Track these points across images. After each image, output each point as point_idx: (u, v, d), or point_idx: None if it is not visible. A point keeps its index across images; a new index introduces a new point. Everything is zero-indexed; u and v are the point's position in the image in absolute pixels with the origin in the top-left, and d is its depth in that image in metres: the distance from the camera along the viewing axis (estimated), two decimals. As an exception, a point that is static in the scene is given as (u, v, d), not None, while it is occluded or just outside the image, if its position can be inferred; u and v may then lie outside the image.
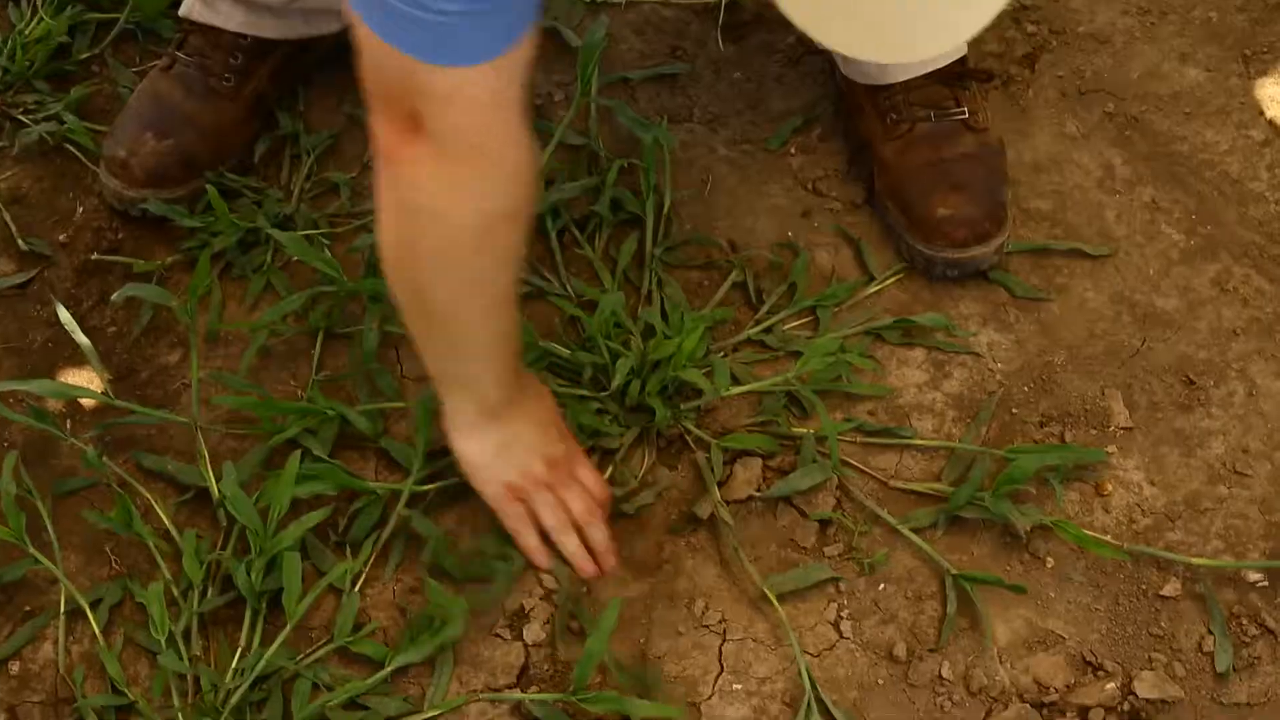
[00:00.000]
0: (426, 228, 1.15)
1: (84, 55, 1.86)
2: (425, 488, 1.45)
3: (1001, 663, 1.37)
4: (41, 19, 1.86)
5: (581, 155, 1.73)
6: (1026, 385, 1.55)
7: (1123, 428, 1.52)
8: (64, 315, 1.43)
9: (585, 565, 1.42)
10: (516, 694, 1.35)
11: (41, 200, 1.73)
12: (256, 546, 1.37)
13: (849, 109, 1.73)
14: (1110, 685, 1.35)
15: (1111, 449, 1.51)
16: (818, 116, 1.79)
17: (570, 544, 1.43)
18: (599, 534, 1.43)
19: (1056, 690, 1.35)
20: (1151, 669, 1.36)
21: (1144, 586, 1.42)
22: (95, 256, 1.67)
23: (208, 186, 1.60)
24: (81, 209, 1.72)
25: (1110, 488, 1.47)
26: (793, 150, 1.76)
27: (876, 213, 1.68)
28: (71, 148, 1.76)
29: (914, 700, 1.35)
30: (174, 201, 1.66)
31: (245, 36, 1.69)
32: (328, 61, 1.81)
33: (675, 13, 1.92)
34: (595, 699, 1.32)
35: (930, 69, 1.64)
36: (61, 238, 1.70)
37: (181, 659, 1.33)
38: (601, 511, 1.44)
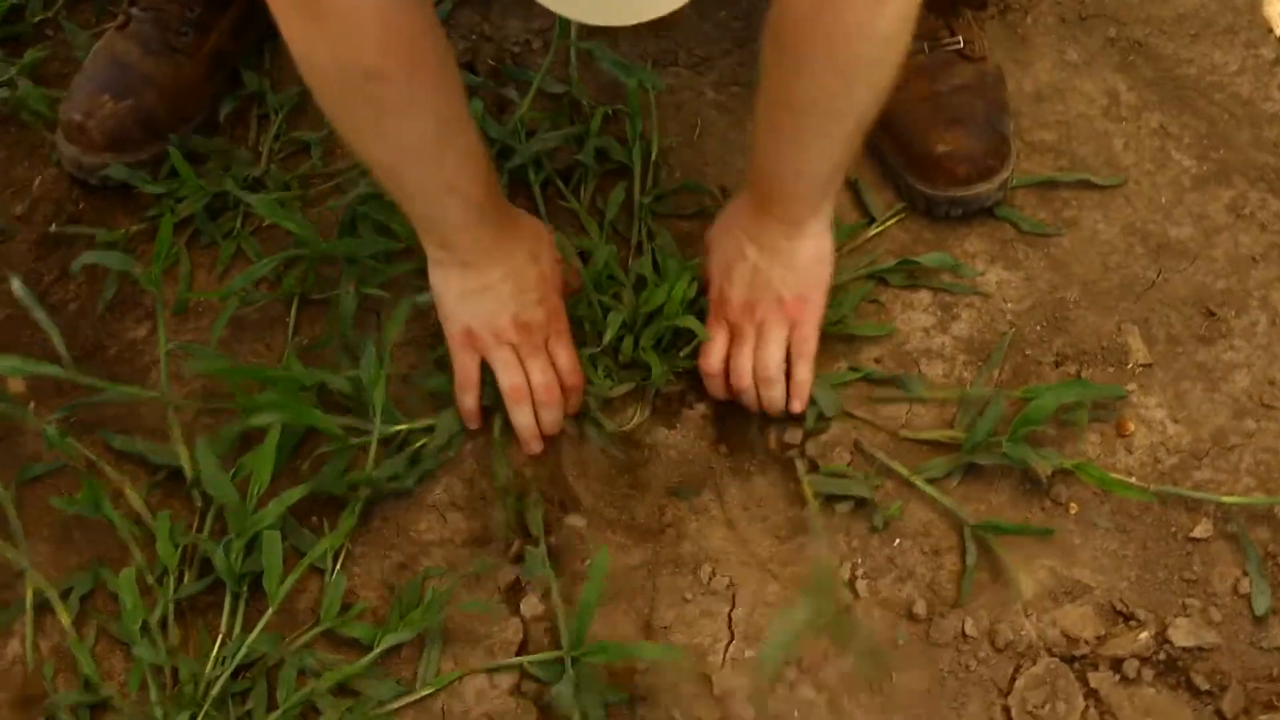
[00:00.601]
0: (306, 76, 1.17)
1: (38, 18, 1.77)
2: (396, 428, 1.38)
3: (1027, 616, 1.30)
4: (-11, -15, 1.76)
5: (563, 104, 1.65)
6: (1039, 324, 1.48)
7: (1142, 364, 1.45)
8: (18, 288, 1.33)
9: (531, 441, 1.38)
10: (513, 660, 1.27)
11: (-3, 170, 1.63)
12: (235, 526, 1.29)
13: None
14: (1144, 634, 1.27)
15: (1131, 386, 1.43)
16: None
17: (521, 415, 1.37)
18: (551, 416, 1.38)
19: (1087, 642, 1.28)
20: (1186, 615, 1.29)
21: (1173, 529, 1.34)
22: (55, 228, 1.58)
23: (170, 149, 1.51)
24: (39, 179, 1.63)
25: (1132, 427, 1.40)
26: (782, 90, 1.67)
27: (872, 153, 1.60)
28: (27, 115, 1.66)
29: (937, 659, 1.28)
30: (136, 166, 1.57)
31: (201, -15, 1.60)
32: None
33: (653, -48, 1.82)
34: (596, 649, 1.25)
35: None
36: (18, 210, 1.61)
37: (158, 650, 1.25)
38: (567, 399, 1.38)
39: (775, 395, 1.38)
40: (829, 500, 1.38)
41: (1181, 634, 1.28)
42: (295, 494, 1.30)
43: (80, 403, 1.42)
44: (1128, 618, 1.30)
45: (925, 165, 1.51)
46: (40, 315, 1.36)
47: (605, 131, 1.61)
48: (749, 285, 1.36)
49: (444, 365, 1.41)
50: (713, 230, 1.43)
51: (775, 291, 1.35)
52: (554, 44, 1.66)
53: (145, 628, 1.26)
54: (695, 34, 1.74)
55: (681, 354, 1.43)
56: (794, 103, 1.21)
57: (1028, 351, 1.46)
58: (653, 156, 1.58)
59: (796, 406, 1.38)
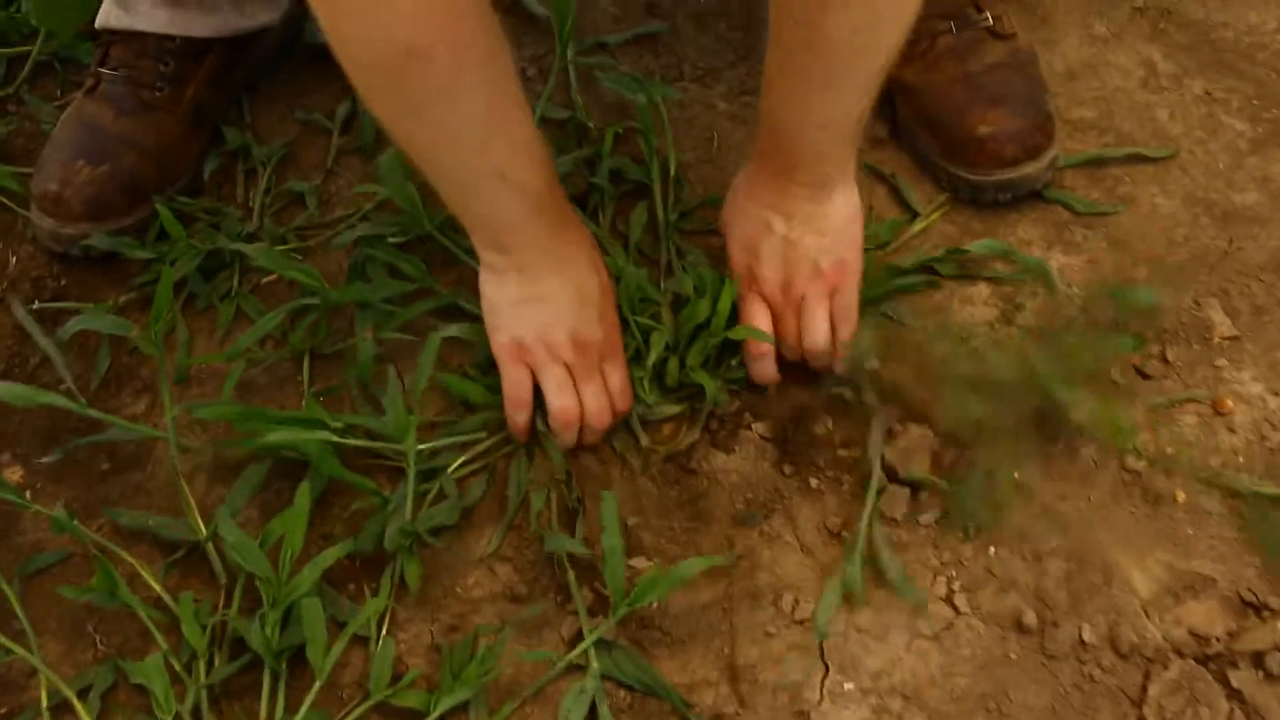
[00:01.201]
0: (343, 57, 1.07)
1: (-1, 94, 1.64)
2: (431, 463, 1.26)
3: (1148, 617, 1.17)
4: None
5: (568, 130, 1.54)
6: (1111, 307, 1.36)
7: (1227, 337, 1.34)
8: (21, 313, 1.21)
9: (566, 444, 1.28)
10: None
11: (-33, 258, 1.51)
12: (269, 597, 1.15)
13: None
14: (1281, 622, 1.14)
15: (1221, 362, 1.31)
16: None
17: (567, 439, 1.27)
18: (595, 439, 1.29)
19: (1219, 639, 1.16)
20: (1325, 598, 1.16)
21: (1292, 507, 1.22)
22: (37, 305, 1.45)
23: (159, 207, 1.39)
24: (15, 259, 1.51)
25: (1230, 404, 1.28)
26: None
27: (905, 145, 1.50)
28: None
29: (1057, 673, 1.16)
30: (120, 233, 1.45)
31: (173, 38, 1.50)
32: (271, 66, 1.62)
33: (646, -32, 1.73)
34: (643, 589, 1.15)
35: (943, -30, 1.46)
36: (-4, 292, 1.48)
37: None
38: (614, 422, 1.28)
39: (823, 362, 1.30)
40: (911, 509, 1.25)
41: (1323, 618, 1.15)
42: (333, 554, 1.18)
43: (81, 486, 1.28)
44: (1259, 608, 1.18)
45: (968, 149, 1.41)
46: (45, 341, 1.24)
47: (617, 152, 1.50)
48: (782, 260, 1.26)
49: (472, 408, 1.29)
50: (726, 209, 1.32)
51: (812, 262, 1.25)
52: (553, 68, 1.55)
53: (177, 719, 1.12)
54: (696, 47, 1.64)
55: (734, 363, 1.30)
56: (820, 44, 1.11)
57: (1103, 334, 1.34)
58: (672, 173, 1.48)
59: (840, 366, 1.30)
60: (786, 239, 1.24)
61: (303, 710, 1.13)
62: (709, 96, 1.59)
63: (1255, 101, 1.52)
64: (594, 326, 1.25)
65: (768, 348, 1.28)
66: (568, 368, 1.25)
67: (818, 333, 1.26)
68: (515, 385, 1.25)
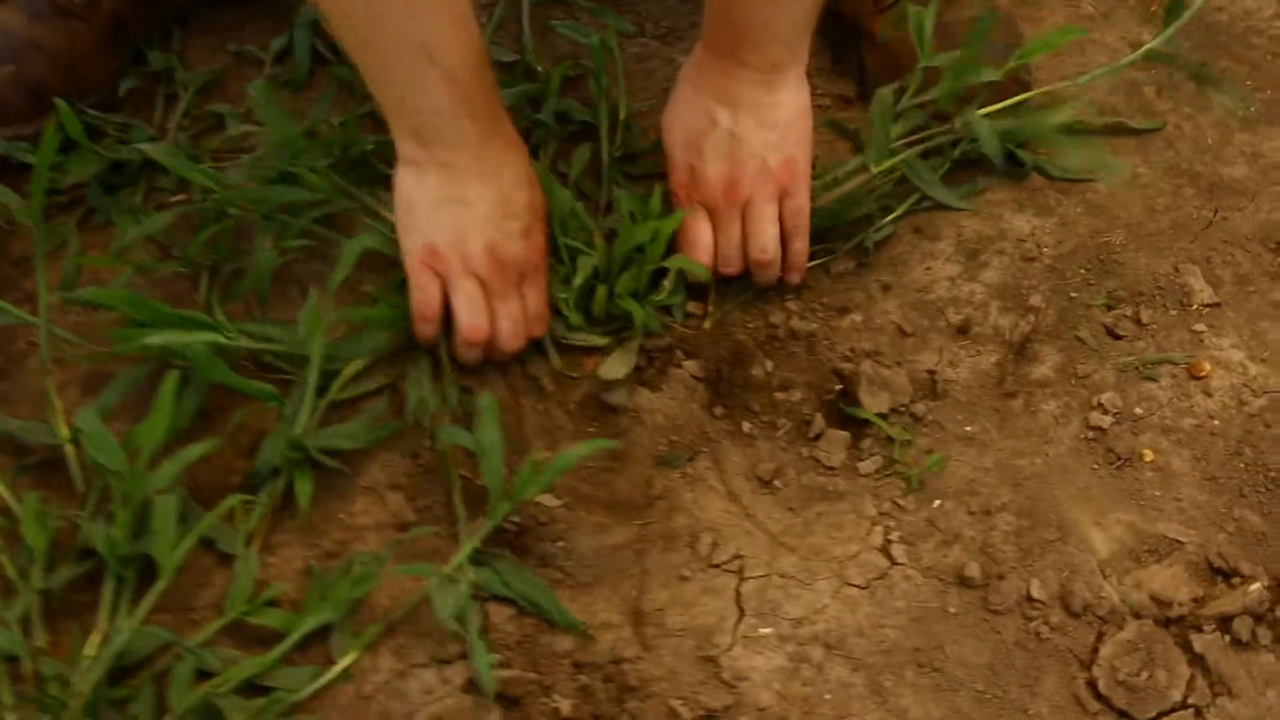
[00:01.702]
0: None
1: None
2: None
3: (1105, 577, 1.04)
4: None
5: (515, 72, 1.44)
6: (1083, 268, 1.25)
7: (1208, 304, 1.22)
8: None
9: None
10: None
11: None
12: (121, 493, 1.02)
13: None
14: (1255, 586, 1.01)
15: (1200, 327, 1.20)
16: (791, 17, 1.50)
17: (470, 356, 1.16)
18: (504, 358, 1.18)
19: (1182, 604, 1.02)
20: (1302, 566, 1.03)
21: (1271, 473, 1.10)
22: (-82, 203, 1.33)
23: (58, 103, 1.27)
24: (-92, 167, 1.39)
25: (1208, 367, 1.16)
26: (766, 50, 1.46)
27: (867, 95, 1.39)
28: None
29: (999, 629, 1.02)
30: (19, 140, 1.33)
31: (94, -59, 1.39)
32: (205, 2, 1.52)
33: (614, -68, 1.64)
34: (523, 481, 1.02)
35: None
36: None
37: (15, 643, 0.97)
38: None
39: (771, 275, 1.19)
40: (850, 456, 1.12)
41: (1301, 587, 1.02)
42: (197, 450, 1.05)
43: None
44: (1229, 575, 1.04)
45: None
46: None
47: (567, 96, 1.39)
48: (726, 156, 1.15)
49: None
50: (668, 107, 1.20)
51: (759, 158, 1.14)
52: (498, 10, 1.46)
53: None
54: (660, 7, 1.55)
55: (668, 289, 1.19)
56: None
57: (1073, 295, 1.23)
58: (621, 116, 1.37)
59: (795, 279, 1.20)
60: (732, 134, 1.14)
61: (137, 614, 0.98)
62: (670, 53, 1.49)
63: (1249, 81, 1.42)
64: (515, 242, 1.14)
65: (706, 254, 1.18)
66: (482, 282, 1.13)
67: (766, 237, 1.16)
68: (423, 294, 1.14)
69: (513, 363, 1.18)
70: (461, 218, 1.12)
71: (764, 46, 1.11)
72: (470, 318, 1.13)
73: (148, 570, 1.04)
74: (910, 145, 1.28)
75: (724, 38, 1.12)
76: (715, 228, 1.16)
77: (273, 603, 1.04)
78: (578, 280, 1.17)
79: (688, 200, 1.16)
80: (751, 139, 1.13)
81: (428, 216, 1.13)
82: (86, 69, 1.39)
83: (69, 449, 1.11)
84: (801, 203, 1.16)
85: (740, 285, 1.23)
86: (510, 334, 1.15)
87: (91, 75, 1.40)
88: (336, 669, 0.99)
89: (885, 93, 1.25)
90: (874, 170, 1.25)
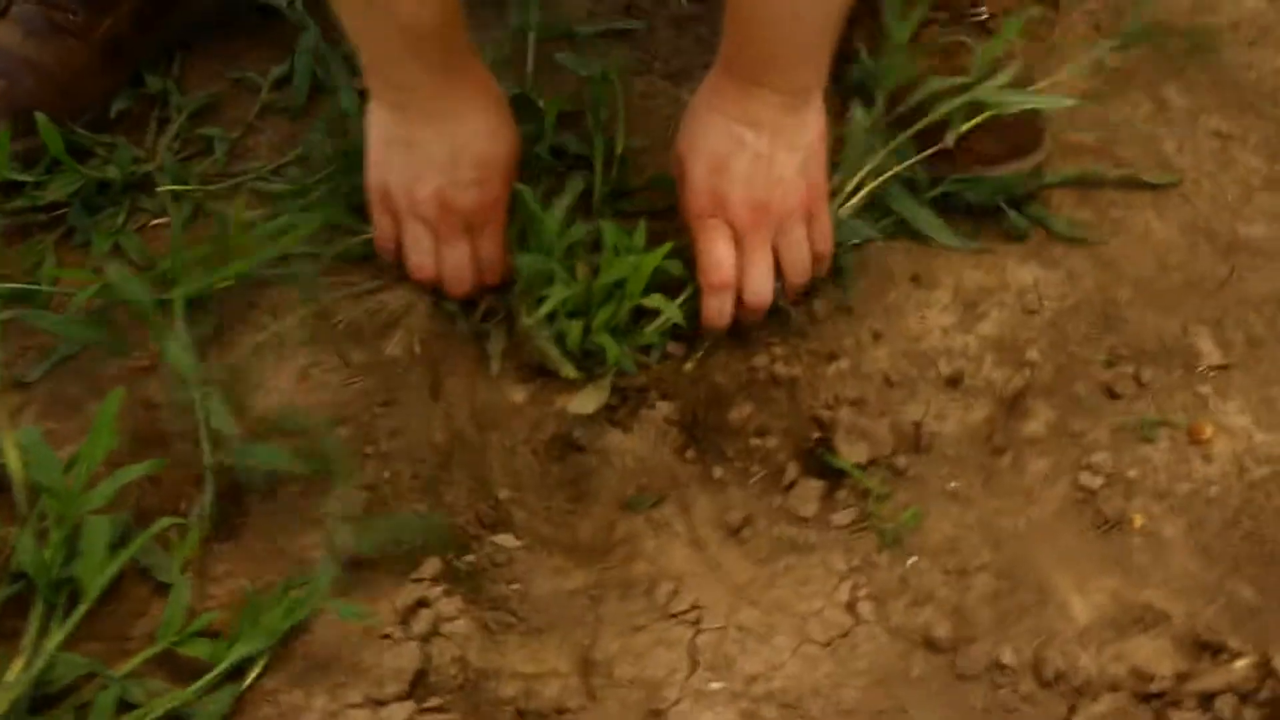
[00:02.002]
0: None
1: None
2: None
3: (1083, 647, 0.98)
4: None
5: (517, 104, 1.40)
6: (1085, 323, 1.20)
7: (1216, 366, 1.16)
8: None
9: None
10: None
11: None
12: (54, 512, 0.98)
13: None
14: (1241, 663, 0.94)
15: (1205, 389, 1.13)
16: (803, 60, 1.46)
17: (449, 293, 1.18)
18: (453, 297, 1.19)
19: (1165, 679, 0.95)
20: (1295, 644, 0.96)
21: (1269, 547, 1.03)
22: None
23: (37, 118, 1.25)
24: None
25: (1209, 432, 1.10)
26: (774, 93, 1.42)
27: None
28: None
29: (966, 696, 0.97)
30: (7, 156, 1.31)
31: (98, -41, 1.38)
32: (211, 26, 1.50)
33: (631, -28, 1.61)
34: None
35: (937, -47, 1.32)
36: None
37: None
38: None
39: (793, 295, 1.17)
40: (824, 507, 1.07)
41: (1293, 664, 0.95)
42: (137, 470, 1.01)
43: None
44: (1216, 650, 0.98)
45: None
46: None
47: (568, 131, 1.36)
48: (755, 178, 1.10)
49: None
50: (683, 134, 1.15)
51: (789, 180, 1.11)
52: (505, 43, 1.43)
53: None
54: (671, 47, 1.51)
55: (647, 329, 1.14)
56: None
57: (1073, 349, 1.18)
58: (617, 151, 1.33)
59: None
60: (760, 155, 1.10)
61: (57, 639, 0.94)
62: (677, 92, 1.46)
63: (1274, 141, 1.36)
64: (465, 191, 1.12)
65: (730, 276, 1.12)
66: (429, 227, 1.13)
67: (803, 260, 1.14)
68: (379, 230, 1.18)
69: (481, 391, 1.14)
70: (410, 160, 1.13)
71: (790, 70, 1.08)
72: (415, 258, 1.16)
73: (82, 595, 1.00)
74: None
75: (748, 62, 1.09)
76: (742, 253, 1.11)
77: (205, 632, 0.99)
78: (544, 310, 1.13)
79: (713, 223, 1.12)
80: (780, 160, 1.10)
81: (381, 153, 1.14)
82: (80, 88, 1.38)
83: (13, 469, 1.07)
84: (827, 225, 1.14)
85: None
86: (454, 280, 1.15)
87: (85, 94, 1.38)
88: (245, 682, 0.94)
89: (860, 113, 1.21)
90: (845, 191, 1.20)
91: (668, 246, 1.14)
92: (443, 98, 1.11)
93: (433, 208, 1.13)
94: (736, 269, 1.12)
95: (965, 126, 1.23)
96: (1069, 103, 1.25)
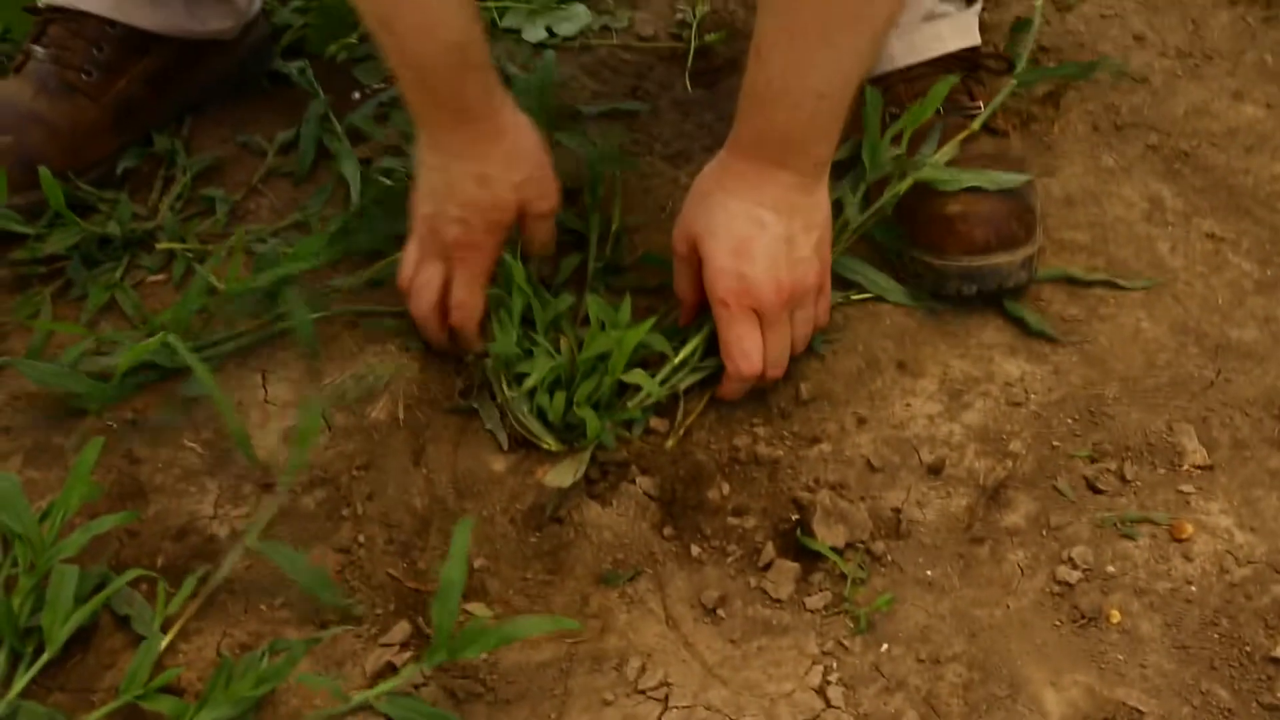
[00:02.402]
0: None
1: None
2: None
3: (1056, 742, 0.96)
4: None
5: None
6: (1070, 418, 1.19)
7: (1200, 466, 1.16)
8: None
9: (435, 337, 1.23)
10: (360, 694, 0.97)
11: None
12: (25, 560, 0.98)
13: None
14: (1213, 762, 0.93)
15: (1188, 488, 1.13)
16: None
17: (429, 333, 1.23)
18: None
19: (1136, 778, 0.94)
20: (1268, 746, 0.95)
21: (1247, 648, 1.02)
22: (-104, 264, 1.33)
23: (40, 172, 1.27)
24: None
25: (1190, 530, 1.09)
26: (771, 179, 1.43)
27: (871, 233, 1.35)
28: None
29: (933, 785, 0.94)
30: (9, 209, 1.32)
31: (114, 24, 1.41)
32: (222, 91, 1.52)
33: (637, 56, 1.64)
34: (468, 638, 0.96)
35: (935, 53, 1.33)
36: None
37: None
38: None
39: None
40: (799, 589, 1.06)
41: (1264, 767, 0.94)
42: (110, 521, 1.01)
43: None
44: (1191, 751, 0.96)
45: (934, 229, 1.26)
46: None
47: (568, 207, 1.37)
48: (776, 261, 1.12)
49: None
50: (698, 207, 1.16)
51: (809, 260, 1.14)
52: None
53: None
54: (674, 129, 1.53)
55: (630, 404, 1.14)
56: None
57: (1056, 444, 1.17)
58: (613, 227, 1.34)
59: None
60: (781, 237, 1.12)
61: (15, 688, 0.93)
62: (675, 174, 1.47)
63: (1267, 245, 1.37)
64: (448, 225, 1.17)
65: (759, 367, 1.15)
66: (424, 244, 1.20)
67: (808, 335, 1.18)
68: (412, 252, 1.23)
69: (463, 459, 1.14)
70: (420, 181, 1.19)
71: (810, 149, 1.10)
72: (402, 268, 1.22)
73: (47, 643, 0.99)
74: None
75: (769, 144, 1.11)
76: (764, 332, 1.13)
77: (170, 688, 0.99)
78: (527, 384, 1.13)
79: (739, 308, 1.13)
80: (800, 241, 1.12)
81: (419, 186, 1.19)
82: (88, 146, 1.39)
83: (-9, 516, 1.07)
84: (828, 299, 1.19)
85: (711, 404, 1.19)
86: (416, 296, 1.20)
87: (93, 152, 1.40)
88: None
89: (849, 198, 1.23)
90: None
91: (650, 322, 1.14)
92: (451, 134, 1.14)
93: (424, 228, 1.17)
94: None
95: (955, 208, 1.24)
96: (1018, 179, 1.25)
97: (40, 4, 1.44)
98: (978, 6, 1.39)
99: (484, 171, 1.15)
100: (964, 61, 1.35)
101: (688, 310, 1.20)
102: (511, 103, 1.18)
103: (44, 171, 1.26)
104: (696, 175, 1.19)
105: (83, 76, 1.40)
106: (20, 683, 0.96)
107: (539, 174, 1.19)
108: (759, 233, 1.11)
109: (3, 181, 1.16)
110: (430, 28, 1.08)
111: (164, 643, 1.01)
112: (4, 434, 1.18)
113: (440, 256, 1.17)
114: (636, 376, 1.13)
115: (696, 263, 1.15)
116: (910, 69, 1.34)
